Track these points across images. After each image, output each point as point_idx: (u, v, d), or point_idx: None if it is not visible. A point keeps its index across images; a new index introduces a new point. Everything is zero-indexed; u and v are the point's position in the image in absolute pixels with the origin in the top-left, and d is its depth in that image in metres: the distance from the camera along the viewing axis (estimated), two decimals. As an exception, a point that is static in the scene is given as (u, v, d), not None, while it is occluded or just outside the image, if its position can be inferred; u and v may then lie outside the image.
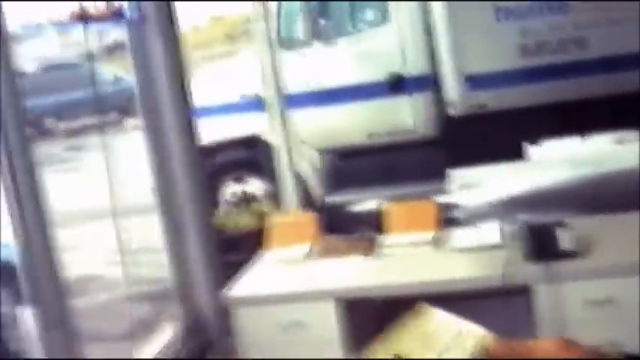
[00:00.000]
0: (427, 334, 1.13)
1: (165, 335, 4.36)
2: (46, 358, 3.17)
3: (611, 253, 3.58)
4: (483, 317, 3.07)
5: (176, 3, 4.61)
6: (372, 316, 3.80)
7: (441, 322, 1.15)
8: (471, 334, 1.11)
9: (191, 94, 4.72)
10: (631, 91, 5.96)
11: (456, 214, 6.60)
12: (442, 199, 6.01)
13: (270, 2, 4.95)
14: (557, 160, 7.80)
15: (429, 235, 4.07)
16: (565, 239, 3.58)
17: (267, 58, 4.76)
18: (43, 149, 8.12)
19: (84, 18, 4.20)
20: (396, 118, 6.78)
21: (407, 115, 6.75)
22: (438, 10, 6.59)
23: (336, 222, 4.63)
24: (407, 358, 1.10)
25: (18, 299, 3.31)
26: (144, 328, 4.48)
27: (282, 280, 3.94)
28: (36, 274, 3.15)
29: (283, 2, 6.93)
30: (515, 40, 6.55)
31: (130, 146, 5.73)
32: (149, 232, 4.76)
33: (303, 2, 6.85)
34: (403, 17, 6.78)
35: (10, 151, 3.06)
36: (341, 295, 3.69)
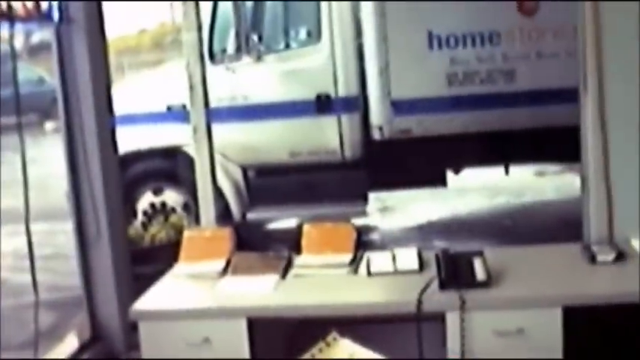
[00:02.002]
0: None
1: (69, 346, 4.24)
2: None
3: (523, 284, 3.60)
4: (396, 342, 3.05)
5: (104, 7, 4.53)
6: (282, 336, 3.74)
7: (350, 353, 1.10)
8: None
9: (114, 100, 4.63)
10: (554, 125, 6.03)
11: (375, 237, 6.61)
12: (361, 221, 6.01)
13: (202, 13, 4.88)
14: (477, 189, 7.88)
15: (346, 257, 4.03)
16: (480, 269, 3.58)
17: (195, 70, 4.68)
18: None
19: (9, 17, 4.09)
20: (321, 138, 6.76)
21: (332, 136, 6.74)
22: (369, 32, 6.61)
23: (253, 239, 4.58)
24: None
25: None
26: (48, 338, 4.35)
27: (193, 296, 3.85)
28: None
29: (217, 14, 6.88)
30: (444, 68, 6.60)
31: (48, 149, 5.60)
32: (62, 238, 4.64)
33: (236, 16, 6.80)
34: (335, 38, 6.78)
35: None
36: (252, 314, 3.61)
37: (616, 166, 3.98)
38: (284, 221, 6.62)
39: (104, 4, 4.54)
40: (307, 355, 1.01)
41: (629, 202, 3.98)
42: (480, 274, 3.56)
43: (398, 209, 7.66)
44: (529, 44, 6.61)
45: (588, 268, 3.73)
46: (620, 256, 3.74)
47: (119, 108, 5.19)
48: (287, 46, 7.15)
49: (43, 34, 4.50)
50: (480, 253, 3.68)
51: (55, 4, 4.28)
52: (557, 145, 5.73)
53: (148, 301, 3.84)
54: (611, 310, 3.42)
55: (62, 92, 4.34)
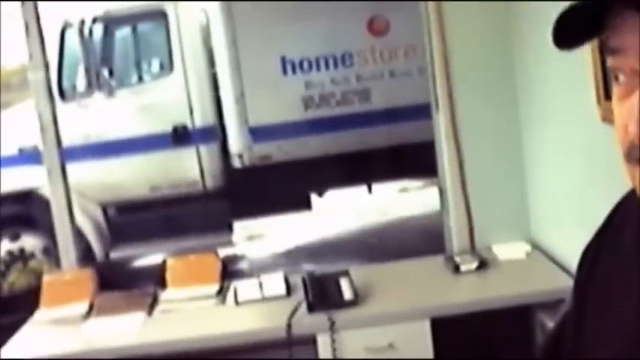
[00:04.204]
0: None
1: None
2: None
3: (390, 300, 3.63)
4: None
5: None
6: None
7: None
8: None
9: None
10: (413, 141, 6.13)
11: (242, 266, 6.57)
12: (227, 251, 5.96)
13: (49, 50, 4.75)
14: (342, 210, 7.94)
15: (213, 288, 3.98)
16: (347, 288, 3.59)
17: (45, 109, 4.54)
18: None
19: None
20: (180, 170, 6.68)
21: (191, 167, 6.67)
22: (222, 61, 6.59)
23: (117, 278, 4.47)
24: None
25: None
26: None
27: (57, 341, 3.71)
28: None
29: (64, 51, 6.72)
30: (300, 92, 6.64)
31: None
32: None
33: (84, 52, 6.65)
34: (188, 68, 6.73)
35: None
36: (119, 355, 3.51)
37: (472, 177, 4.07)
38: (149, 257, 6.49)
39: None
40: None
41: (487, 210, 4.08)
42: (347, 293, 3.57)
43: (265, 236, 7.65)
44: (382, 64, 6.72)
45: (453, 279, 3.79)
46: (483, 264, 3.82)
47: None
48: (140, 79, 7.04)
49: None
50: (346, 273, 3.70)
51: None
52: (417, 161, 5.83)
53: (11, 352, 3.68)
54: (477, 318, 3.49)
55: None
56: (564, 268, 3.56)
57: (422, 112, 4.50)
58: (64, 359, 3.55)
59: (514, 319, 3.54)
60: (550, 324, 3.12)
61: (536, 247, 3.95)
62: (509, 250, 3.95)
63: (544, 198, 3.90)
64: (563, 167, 3.51)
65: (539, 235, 3.98)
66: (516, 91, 3.96)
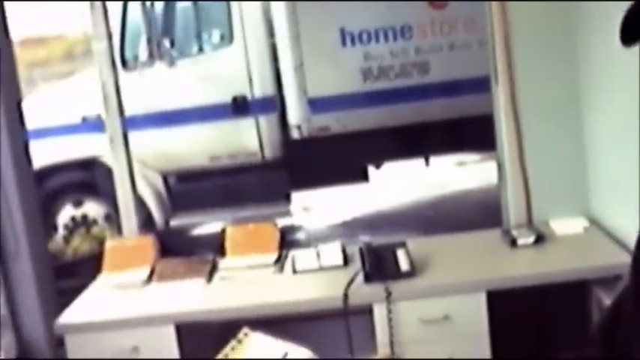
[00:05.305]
0: (252, 358, 1.07)
1: (-6, 366, 4.14)
2: None
3: (447, 272, 3.65)
4: (326, 338, 3.06)
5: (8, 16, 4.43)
6: (211, 340, 3.71)
7: (264, 346, 1.09)
8: (296, 355, 1.05)
9: (26, 114, 4.55)
10: (471, 114, 6.11)
11: (299, 236, 6.62)
12: (285, 221, 6.01)
13: (112, 21, 4.82)
14: (399, 183, 7.95)
15: (271, 257, 4.03)
16: (404, 259, 3.62)
17: (108, 79, 4.62)
18: None
19: None
20: (240, 140, 6.74)
21: (250, 138, 6.73)
22: (282, 31, 6.61)
23: (177, 245, 4.55)
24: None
25: None
26: (-29, 360, 4.24)
27: (119, 306, 3.81)
28: None
29: (127, 21, 6.81)
30: (359, 63, 6.64)
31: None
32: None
33: (146, 22, 6.73)
34: (248, 39, 6.76)
35: None
36: (179, 320, 3.59)
37: (530, 150, 4.06)
38: (208, 226, 6.58)
39: (8, 15, 4.44)
40: (220, 355, 1.00)
41: (545, 185, 4.07)
42: (404, 264, 3.60)
43: (322, 207, 7.69)
44: (441, 36, 6.69)
45: (509, 252, 3.80)
46: (540, 239, 3.81)
47: (32, 122, 5.10)
48: (200, 49, 7.11)
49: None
50: (403, 244, 3.72)
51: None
52: (475, 135, 5.81)
53: (74, 314, 3.78)
54: (533, 292, 3.49)
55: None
56: (623, 245, 3.54)
57: (481, 85, 4.49)
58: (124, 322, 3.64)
59: (570, 294, 3.54)
60: (607, 300, 3.13)
61: (594, 222, 3.93)
62: (566, 225, 3.94)
63: (603, 173, 3.87)
64: (624, 143, 3.48)
65: (597, 210, 3.96)
66: (577, 66, 3.93)
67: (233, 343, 1.08)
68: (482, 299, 3.43)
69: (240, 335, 1.09)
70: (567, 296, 3.58)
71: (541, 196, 4.08)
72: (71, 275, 5.18)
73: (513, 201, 4.10)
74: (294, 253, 4.07)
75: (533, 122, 4.04)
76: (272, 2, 6.70)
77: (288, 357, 1.05)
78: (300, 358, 1.04)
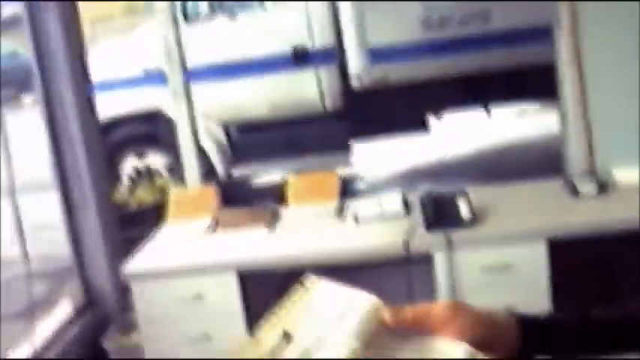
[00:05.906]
0: (317, 305, 1.09)
1: (63, 312, 4.27)
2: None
3: (508, 220, 3.64)
4: (386, 285, 3.09)
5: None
6: (273, 288, 3.77)
7: (330, 292, 1.11)
8: (362, 301, 1.07)
9: (90, 68, 4.62)
10: (532, 64, 6.03)
11: (359, 185, 6.64)
12: (345, 170, 6.03)
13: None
14: (460, 132, 7.91)
15: (332, 206, 4.07)
16: (464, 208, 3.62)
17: (169, 32, 4.67)
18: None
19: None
20: (300, 91, 6.74)
21: (311, 88, 6.72)
22: (341, -18, 6.57)
23: (238, 195, 4.58)
24: (296, 332, 1.05)
25: None
26: (41, 307, 4.37)
27: (182, 254, 3.89)
28: None
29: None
30: (419, 13, 6.57)
31: (28, 122, 5.59)
32: (50, 209, 4.64)
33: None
34: (308, -10, 6.74)
35: None
36: (242, 268, 3.66)
37: (594, 99, 4.01)
38: (269, 176, 6.63)
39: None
40: (288, 302, 1.02)
41: (608, 134, 4.02)
42: (464, 213, 3.60)
43: (383, 156, 7.69)
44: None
45: (571, 201, 3.77)
46: (603, 188, 3.78)
47: (96, 75, 5.18)
48: (261, 0, 7.09)
49: (13, 8, 4.43)
50: (464, 193, 3.72)
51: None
52: (537, 84, 5.74)
53: (139, 262, 3.87)
54: (595, 242, 3.47)
55: (37, 64, 4.31)
56: (687, 194, 3.50)
57: (543, 34, 4.42)
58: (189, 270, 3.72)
59: (632, 244, 3.51)
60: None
61: (658, 172, 3.87)
62: (629, 175, 3.88)
63: (669, 122, 3.81)
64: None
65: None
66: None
67: (300, 290, 1.10)
68: (542, 248, 3.42)
69: (307, 283, 1.11)
70: (629, 246, 3.55)
71: (604, 145, 4.03)
72: (135, 225, 5.28)
73: (576, 150, 4.06)
74: (355, 202, 4.09)
75: (597, 71, 3.98)
76: (332, -48, 6.66)
77: (355, 304, 1.07)
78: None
